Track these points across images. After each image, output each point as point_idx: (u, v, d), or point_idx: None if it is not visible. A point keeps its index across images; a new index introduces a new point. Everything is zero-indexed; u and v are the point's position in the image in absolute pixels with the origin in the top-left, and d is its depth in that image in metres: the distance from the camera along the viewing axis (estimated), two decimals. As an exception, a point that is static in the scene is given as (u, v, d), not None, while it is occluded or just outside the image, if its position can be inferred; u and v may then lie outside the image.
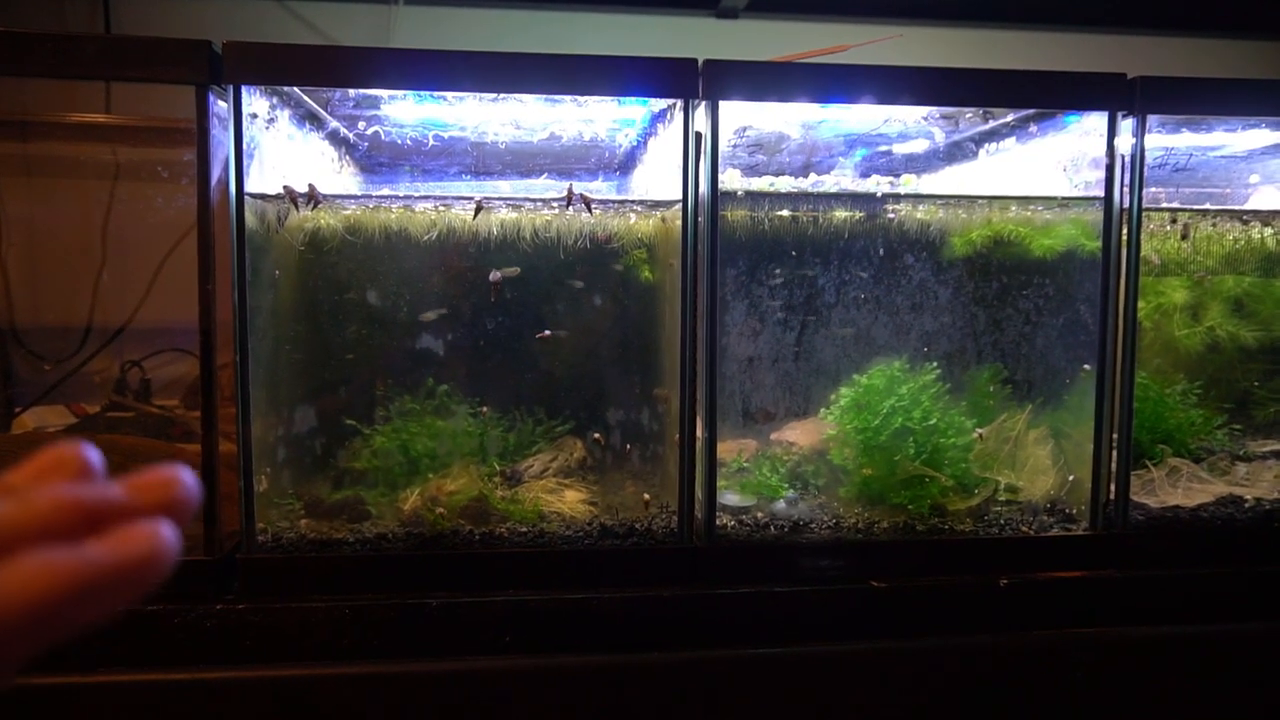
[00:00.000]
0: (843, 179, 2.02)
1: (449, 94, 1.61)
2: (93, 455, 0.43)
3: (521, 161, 1.78)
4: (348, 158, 1.99)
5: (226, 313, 1.56)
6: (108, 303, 2.44)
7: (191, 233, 1.56)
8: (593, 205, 1.67)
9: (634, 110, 1.77)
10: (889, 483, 1.72)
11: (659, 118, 1.77)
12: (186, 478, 0.43)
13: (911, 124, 1.90)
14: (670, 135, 1.70)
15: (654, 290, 1.93)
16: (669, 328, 1.82)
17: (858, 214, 1.94)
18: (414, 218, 1.80)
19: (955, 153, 2.10)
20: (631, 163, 2.05)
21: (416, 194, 1.67)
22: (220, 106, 1.56)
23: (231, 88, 1.50)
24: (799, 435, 1.82)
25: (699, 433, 1.64)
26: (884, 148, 2.07)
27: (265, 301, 1.69)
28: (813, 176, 2.03)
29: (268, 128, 1.68)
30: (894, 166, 2.08)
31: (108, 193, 2.37)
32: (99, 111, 2.32)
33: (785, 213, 1.92)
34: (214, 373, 1.54)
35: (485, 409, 1.90)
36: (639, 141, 1.94)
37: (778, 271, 1.89)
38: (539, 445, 1.94)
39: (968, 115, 1.83)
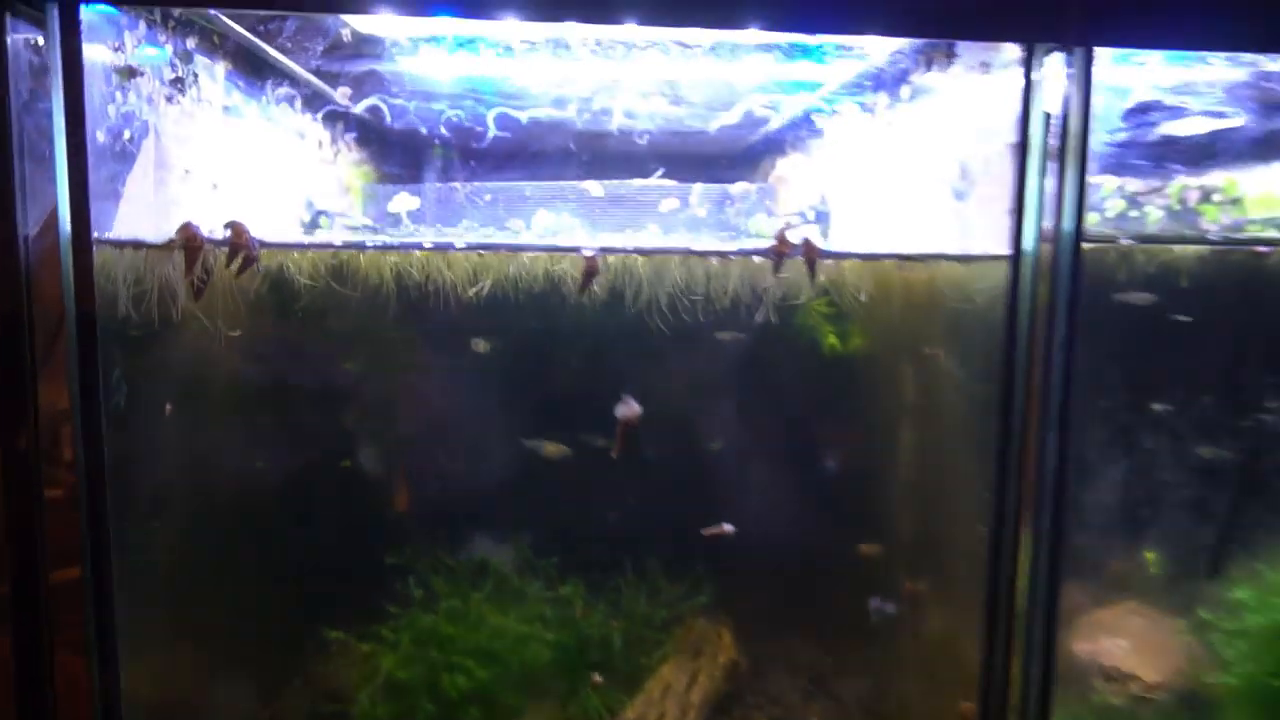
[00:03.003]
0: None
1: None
2: None
3: (637, 165, 0.92)
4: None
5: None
6: None
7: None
8: (817, 262, 0.84)
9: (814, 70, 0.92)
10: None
11: (879, 84, 0.93)
12: None
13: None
14: (917, 112, 0.88)
15: (852, 375, 1.11)
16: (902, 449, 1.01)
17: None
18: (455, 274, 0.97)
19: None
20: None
21: (454, 239, 0.83)
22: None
23: (55, 6, 0.68)
24: (1138, 659, 1.01)
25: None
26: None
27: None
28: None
29: (171, 97, 0.85)
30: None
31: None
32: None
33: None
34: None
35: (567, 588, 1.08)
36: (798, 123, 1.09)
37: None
38: (661, 647, 1.12)
39: None
